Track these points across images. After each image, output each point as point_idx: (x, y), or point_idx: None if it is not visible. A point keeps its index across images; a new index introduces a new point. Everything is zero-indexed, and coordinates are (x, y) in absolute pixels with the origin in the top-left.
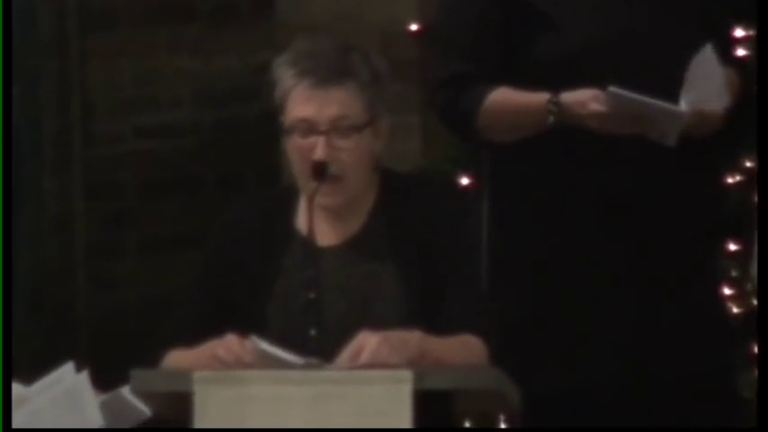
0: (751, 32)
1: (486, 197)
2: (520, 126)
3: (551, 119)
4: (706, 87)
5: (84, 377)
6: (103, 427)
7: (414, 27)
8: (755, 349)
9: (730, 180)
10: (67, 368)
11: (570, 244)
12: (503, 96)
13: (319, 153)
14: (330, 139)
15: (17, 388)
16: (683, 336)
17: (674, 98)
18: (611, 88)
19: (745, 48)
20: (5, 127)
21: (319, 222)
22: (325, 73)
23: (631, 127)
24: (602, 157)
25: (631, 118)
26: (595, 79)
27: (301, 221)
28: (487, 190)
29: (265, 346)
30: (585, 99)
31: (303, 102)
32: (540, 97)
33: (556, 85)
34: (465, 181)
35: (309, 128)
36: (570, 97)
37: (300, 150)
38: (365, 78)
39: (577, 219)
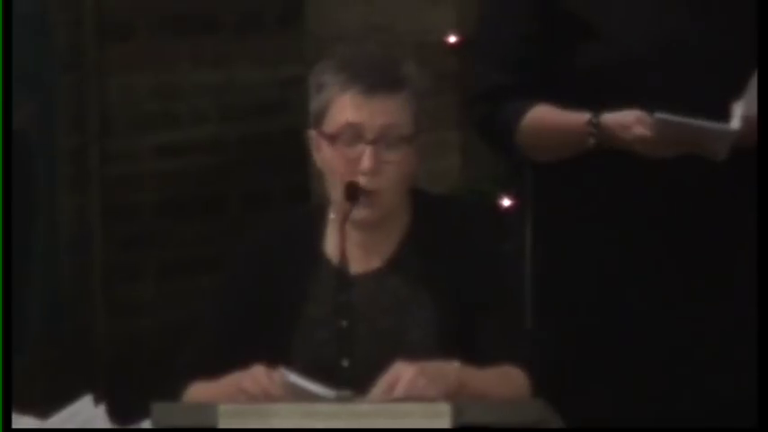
0: None
1: (529, 219)
2: (559, 146)
3: (591, 141)
4: (751, 96)
5: (101, 411)
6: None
7: (452, 39)
8: None
9: None
10: (85, 401)
11: (619, 270)
12: (542, 114)
13: (366, 163)
14: (378, 150)
15: (32, 422)
16: (736, 373)
17: (720, 112)
18: (658, 114)
19: None
20: (5, 129)
21: (350, 246)
22: (377, 80)
23: (678, 149)
24: (651, 178)
25: (678, 141)
26: (639, 92)
27: (330, 245)
28: (531, 212)
29: (294, 378)
30: (629, 122)
31: (352, 108)
32: (580, 117)
33: (598, 98)
34: (507, 202)
35: (357, 135)
36: (612, 119)
37: (344, 159)
38: (416, 89)
39: (626, 243)
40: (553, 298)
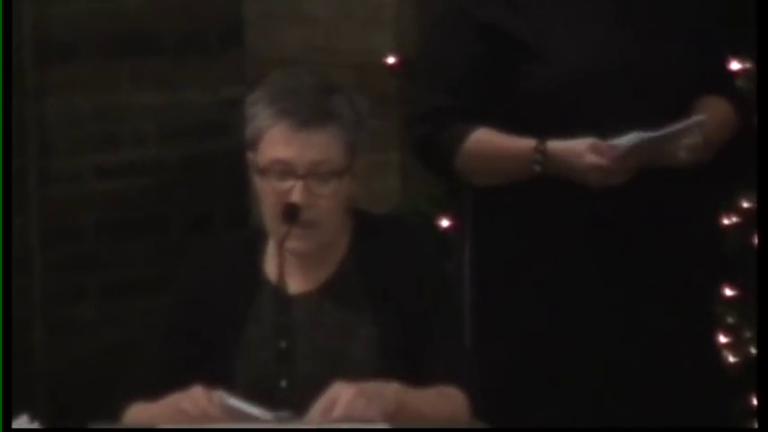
0: (748, 65)
1: (468, 239)
2: (501, 172)
3: (537, 168)
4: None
5: (23, 422)
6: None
7: (391, 60)
8: (755, 401)
9: (727, 222)
10: (21, 421)
11: (558, 290)
12: (484, 138)
13: (296, 197)
14: (308, 184)
15: None
16: (677, 386)
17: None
18: (639, 135)
19: (743, 81)
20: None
21: (289, 267)
22: (307, 114)
23: (635, 168)
24: (593, 198)
25: (636, 164)
26: (581, 115)
27: (270, 266)
28: (469, 232)
29: (233, 401)
30: (581, 150)
31: (282, 143)
32: (525, 144)
33: (540, 121)
34: (445, 223)
35: (287, 171)
36: (562, 147)
37: (275, 193)
38: (348, 122)
39: (566, 263)
40: (492, 317)
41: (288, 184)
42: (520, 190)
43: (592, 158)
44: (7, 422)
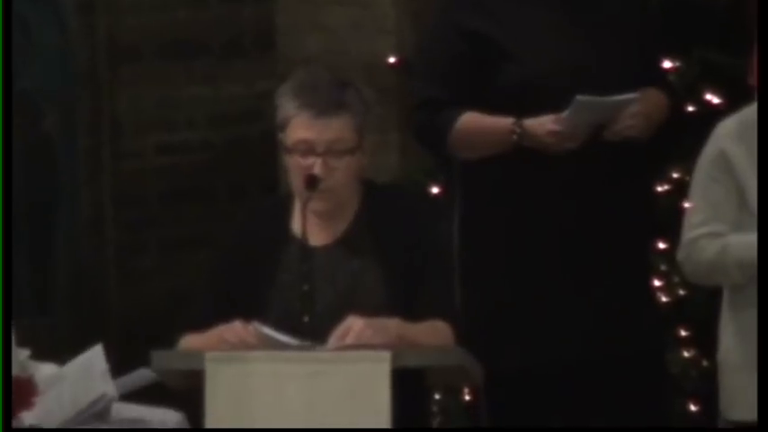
0: (677, 64)
1: (456, 203)
2: (486, 145)
3: (515, 138)
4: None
5: (98, 349)
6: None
7: (392, 60)
8: (682, 332)
9: (660, 189)
10: (97, 349)
11: (525, 244)
12: (472, 119)
13: (316, 170)
14: (326, 160)
15: (53, 368)
16: (621, 321)
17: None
18: (579, 96)
19: (673, 76)
20: (6, 132)
21: (311, 225)
22: (325, 105)
23: (584, 134)
24: (555, 170)
25: (584, 131)
26: (552, 103)
27: (296, 224)
28: (457, 197)
29: (266, 330)
30: (544, 121)
31: (304, 128)
32: (505, 121)
33: (517, 109)
34: (436, 190)
35: (309, 149)
36: (531, 120)
37: (300, 167)
38: (358, 110)
39: (534, 220)
40: (476, 266)
41: (310, 160)
42: (498, 164)
43: (549, 126)
44: (7, 422)
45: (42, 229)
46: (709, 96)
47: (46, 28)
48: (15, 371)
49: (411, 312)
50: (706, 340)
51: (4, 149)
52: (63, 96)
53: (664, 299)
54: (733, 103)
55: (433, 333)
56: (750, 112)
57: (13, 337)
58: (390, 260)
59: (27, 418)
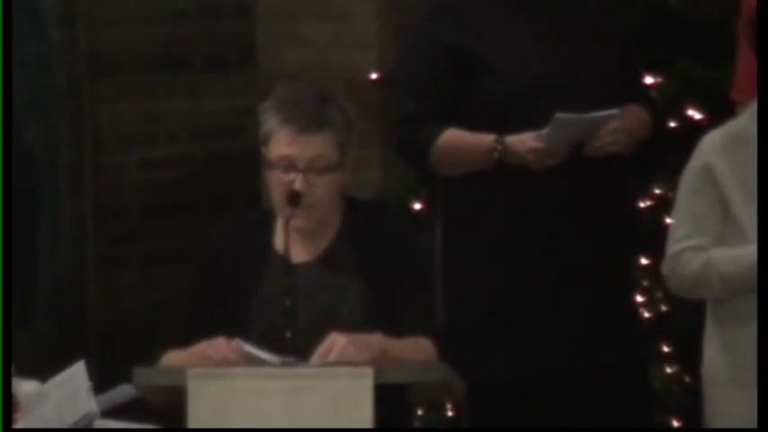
0: (659, 79)
1: (438, 219)
2: (468, 162)
3: (496, 155)
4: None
5: (81, 366)
6: (106, 427)
7: (374, 75)
8: (664, 348)
9: (642, 205)
10: (79, 366)
11: (508, 258)
12: (453, 136)
13: (298, 186)
14: (307, 176)
15: (35, 385)
16: (603, 336)
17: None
18: (559, 114)
19: (655, 92)
20: (6, 133)
21: (293, 242)
22: (307, 122)
23: (564, 152)
24: (537, 186)
25: (564, 147)
26: (534, 118)
27: (278, 241)
28: (439, 212)
29: (248, 347)
30: (525, 138)
31: (286, 144)
32: (487, 138)
33: (499, 124)
34: (418, 205)
35: (290, 165)
36: (512, 137)
37: (281, 183)
38: (340, 127)
39: (516, 237)
40: (457, 282)
41: (291, 175)
42: (480, 179)
43: (530, 143)
44: (7, 422)
45: (22, 245)
46: (691, 112)
47: (27, 41)
48: None
49: (393, 329)
50: (688, 356)
51: (4, 150)
52: (44, 110)
53: (646, 314)
54: (715, 119)
55: (416, 349)
56: (735, 125)
57: None
58: (372, 277)
59: None
